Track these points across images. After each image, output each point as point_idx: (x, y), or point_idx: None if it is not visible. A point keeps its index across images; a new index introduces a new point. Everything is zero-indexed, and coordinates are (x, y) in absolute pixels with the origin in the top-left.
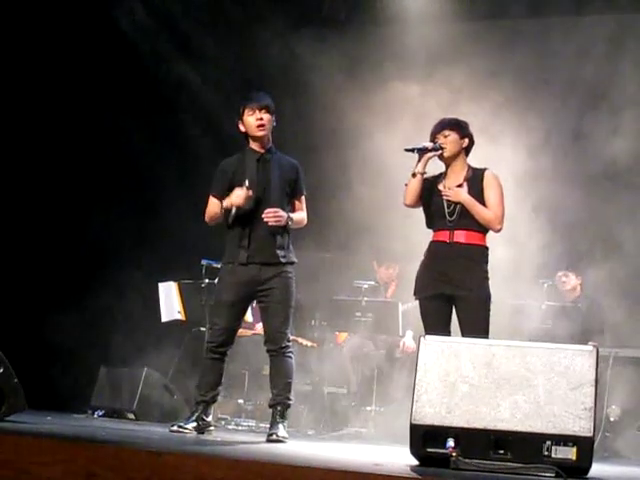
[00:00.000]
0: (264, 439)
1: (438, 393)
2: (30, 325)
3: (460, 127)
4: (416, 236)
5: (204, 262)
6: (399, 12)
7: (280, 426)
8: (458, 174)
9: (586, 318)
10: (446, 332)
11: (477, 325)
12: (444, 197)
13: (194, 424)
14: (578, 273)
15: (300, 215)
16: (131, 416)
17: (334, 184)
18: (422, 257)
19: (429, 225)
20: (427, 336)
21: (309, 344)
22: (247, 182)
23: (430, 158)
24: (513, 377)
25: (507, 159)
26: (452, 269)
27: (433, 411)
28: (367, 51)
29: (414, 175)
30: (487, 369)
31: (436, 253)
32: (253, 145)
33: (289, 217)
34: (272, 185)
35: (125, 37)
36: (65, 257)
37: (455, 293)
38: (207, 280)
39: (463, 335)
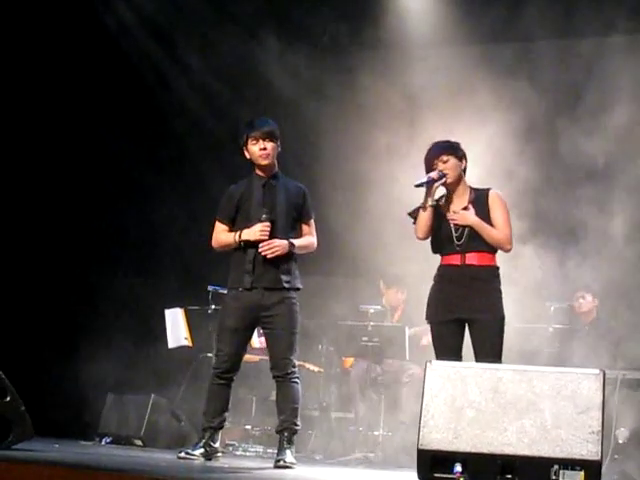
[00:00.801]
0: (272, 465)
1: (445, 418)
2: (37, 353)
3: (456, 150)
4: (422, 260)
5: (210, 288)
6: (400, 36)
7: (287, 452)
8: (461, 197)
9: (597, 342)
10: (458, 357)
11: (490, 348)
12: (451, 221)
13: (201, 450)
14: (595, 295)
15: (308, 240)
16: (138, 443)
17: (338, 208)
18: (429, 281)
19: (435, 250)
20: (433, 361)
21: (316, 369)
22: (264, 215)
23: (437, 188)
24: (520, 401)
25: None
26: (467, 292)
27: (440, 436)
28: (367, 75)
29: (425, 208)
30: (493, 394)
31: (448, 277)
32: (259, 171)
33: (291, 244)
34: (278, 210)
35: (129, 61)
36: (71, 285)
37: (471, 316)
38: (214, 306)
39: (476, 358)
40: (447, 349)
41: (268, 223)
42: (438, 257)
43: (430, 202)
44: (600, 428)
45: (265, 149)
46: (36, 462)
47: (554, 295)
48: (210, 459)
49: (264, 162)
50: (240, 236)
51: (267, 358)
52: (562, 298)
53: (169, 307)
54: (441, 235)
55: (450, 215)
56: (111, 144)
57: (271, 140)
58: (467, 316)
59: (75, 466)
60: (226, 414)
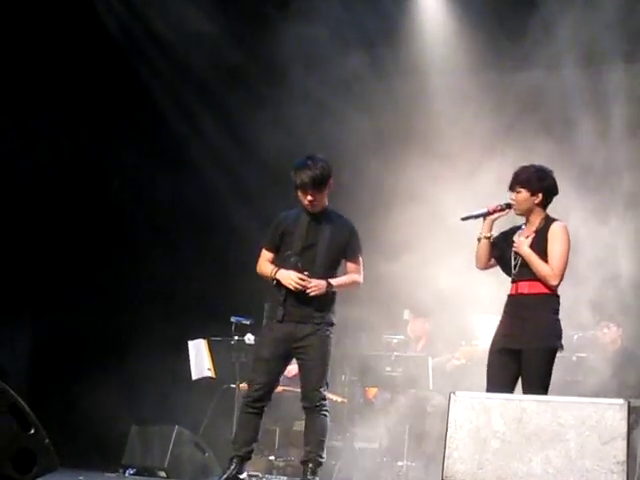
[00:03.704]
0: None
1: (469, 449)
2: (62, 385)
3: (531, 183)
4: (442, 291)
5: (234, 319)
6: (422, 63)
7: None
8: (532, 226)
9: (622, 371)
10: (508, 389)
11: (535, 379)
12: (513, 249)
13: None
14: (619, 324)
15: (350, 278)
16: (162, 474)
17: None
18: (449, 311)
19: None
20: (457, 392)
21: (339, 399)
22: (293, 259)
23: (495, 219)
24: (544, 432)
25: None
26: (515, 322)
27: (464, 467)
28: (391, 102)
29: (479, 240)
30: (518, 424)
31: (506, 307)
32: None
33: (328, 284)
34: (319, 248)
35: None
36: (97, 317)
37: (520, 347)
38: (237, 337)
39: (523, 388)
40: (496, 379)
41: (304, 277)
42: (458, 289)
43: (486, 233)
44: (625, 458)
45: (312, 200)
46: None
47: (575, 323)
48: None
49: (312, 210)
50: (275, 273)
51: (291, 389)
52: (584, 327)
53: (192, 338)
54: (504, 263)
55: (516, 242)
56: (138, 172)
57: (318, 189)
58: (518, 347)
59: None
60: (254, 445)
